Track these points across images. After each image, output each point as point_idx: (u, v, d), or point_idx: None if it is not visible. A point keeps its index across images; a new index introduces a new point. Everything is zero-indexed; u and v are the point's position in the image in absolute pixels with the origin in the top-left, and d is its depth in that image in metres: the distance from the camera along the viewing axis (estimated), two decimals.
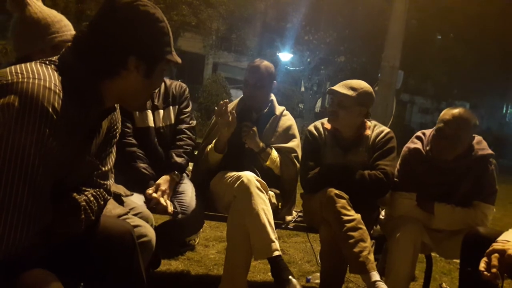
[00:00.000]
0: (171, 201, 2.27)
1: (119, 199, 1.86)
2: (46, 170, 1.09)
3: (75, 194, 1.28)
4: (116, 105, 1.41)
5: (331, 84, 17.58)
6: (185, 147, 2.45)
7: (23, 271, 1.09)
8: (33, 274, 1.10)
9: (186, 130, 2.51)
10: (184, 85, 2.63)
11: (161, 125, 2.46)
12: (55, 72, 1.16)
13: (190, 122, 2.56)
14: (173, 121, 2.51)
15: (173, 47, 1.33)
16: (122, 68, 1.23)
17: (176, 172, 2.35)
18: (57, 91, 1.11)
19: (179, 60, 1.34)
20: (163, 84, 2.54)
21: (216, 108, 2.45)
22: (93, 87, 1.22)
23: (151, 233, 1.66)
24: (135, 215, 1.95)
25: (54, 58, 1.22)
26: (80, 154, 1.25)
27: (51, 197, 1.16)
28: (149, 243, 1.65)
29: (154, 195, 2.21)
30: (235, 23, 18.07)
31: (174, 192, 2.34)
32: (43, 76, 1.11)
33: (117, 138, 1.46)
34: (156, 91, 2.50)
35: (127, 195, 1.96)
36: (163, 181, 2.29)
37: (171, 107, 2.51)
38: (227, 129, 2.41)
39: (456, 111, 2.22)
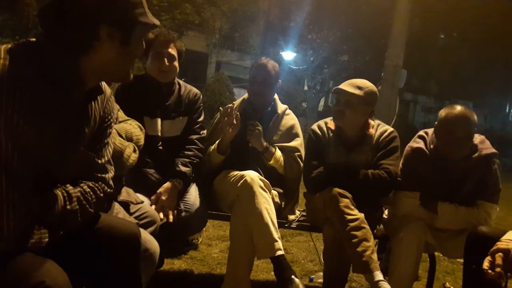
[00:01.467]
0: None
1: (125, 205, 1.86)
2: (23, 156, 1.06)
3: (69, 186, 1.24)
4: (109, 91, 1.36)
5: (334, 83, 17.57)
6: (193, 158, 2.40)
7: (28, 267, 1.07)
8: (26, 257, 1.08)
9: (196, 141, 2.46)
10: (198, 93, 2.56)
11: (169, 134, 2.42)
12: (26, 52, 1.11)
13: (201, 132, 2.52)
14: (179, 133, 2.45)
15: (147, 8, 1.25)
16: (94, 40, 1.16)
17: (179, 180, 2.30)
18: (25, 71, 1.06)
19: (156, 22, 1.26)
20: (177, 90, 2.48)
21: (220, 108, 2.45)
22: (68, 65, 1.16)
23: (154, 246, 1.65)
24: (142, 214, 1.95)
25: (32, 39, 1.17)
26: (71, 144, 1.21)
27: (44, 189, 1.15)
28: (152, 257, 1.63)
29: (153, 207, 2.17)
30: (238, 21, 18.05)
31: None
32: (10, 57, 1.07)
33: (112, 128, 1.41)
34: (171, 97, 2.43)
35: (137, 203, 1.96)
36: (164, 190, 2.24)
37: (181, 117, 2.46)
38: (231, 130, 2.40)
39: (457, 111, 2.21)
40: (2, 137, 1.02)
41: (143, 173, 2.30)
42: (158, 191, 2.24)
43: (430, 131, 2.39)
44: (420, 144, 2.35)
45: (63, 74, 1.15)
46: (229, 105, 2.45)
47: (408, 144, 2.42)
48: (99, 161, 1.34)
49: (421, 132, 2.44)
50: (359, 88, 2.38)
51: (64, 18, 1.14)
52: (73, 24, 1.14)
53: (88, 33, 1.15)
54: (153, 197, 2.23)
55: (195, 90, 2.57)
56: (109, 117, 1.37)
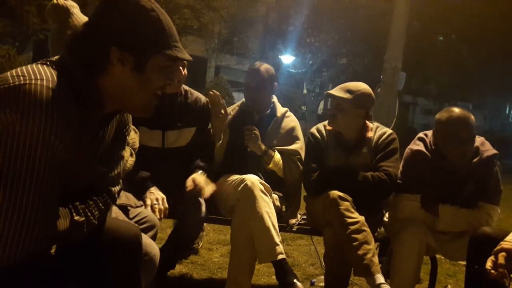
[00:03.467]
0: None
1: (124, 210, 1.85)
2: (53, 175, 1.07)
3: (78, 203, 1.25)
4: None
5: (333, 86, 17.58)
6: (208, 162, 2.44)
7: (32, 275, 1.07)
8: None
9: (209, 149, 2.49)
10: (206, 102, 2.45)
11: (173, 145, 2.33)
12: (55, 72, 1.12)
13: (212, 139, 2.50)
14: (184, 144, 2.37)
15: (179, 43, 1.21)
16: (106, 62, 1.15)
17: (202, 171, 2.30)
18: (59, 91, 1.08)
19: (186, 57, 1.22)
20: (183, 98, 2.38)
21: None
22: (89, 85, 1.17)
23: (154, 249, 1.64)
24: (141, 219, 1.95)
25: (55, 58, 1.18)
26: (85, 161, 1.23)
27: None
28: (152, 260, 1.60)
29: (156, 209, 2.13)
30: (237, 26, 18.12)
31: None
32: (45, 76, 1.09)
33: (127, 140, 1.42)
34: (175, 106, 2.34)
35: (137, 206, 1.95)
36: (196, 175, 2.24)
37: (188, 128, 2.37)
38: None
39: (457, 113, 2.20)
40: (37, 156, 1.03)
41: (134, 180, 2.19)
42: (194, 177, 2.22)
43: (430, 133, 2.39)
44: (420, 147, 2.34)
45: (85, 94, 1.16)
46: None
47: (408, 147, 2.42)
48: (110, 174, 1.34)
49: (421, 134, 2.44)
50: (349, 91, 2.38)
51: (86, 37, 1.16)
52: (88, 44, 1.15)
53: (100, 54, 1.15)
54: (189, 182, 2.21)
55: (202, 97, 2.48)
56: (124, 130, 1.38)
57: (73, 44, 1.19)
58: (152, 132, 2.28)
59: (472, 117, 2.21)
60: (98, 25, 1.16)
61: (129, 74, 1.17)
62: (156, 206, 2.10)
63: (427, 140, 2.35)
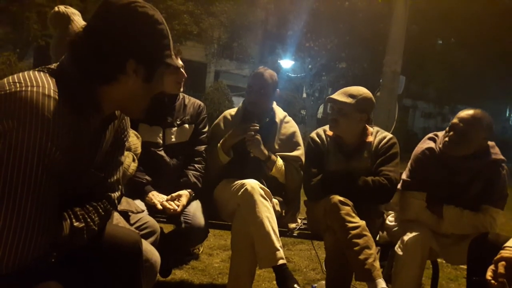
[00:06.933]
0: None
1: (125, 216, 1.85)
2: (50, 181, 1.07)
3: (77, 209, 1.25)
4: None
5: (332, 90, 17.66)
6: (202, 170, 2.47)
7: (33, 282, 1.07)
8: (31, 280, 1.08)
9: (203, 152, 2.53)
10: (202, 105, 2.63)
11: (173, 141, 2.44)
12: (53, 79, 1.13)
13: (208, 142, 2.58)
14: (187, 139, 2.49)
15: (173, 51, 1.31)
16: (120, 73, 1.19)
17: (191, 191, 2.37)
18: (56, 97, 1.09)
19: (179, 64, 1.32)
20: (181, 100, 2.53)
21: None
22: (89, 93, 1.19)
23: (155, 256, 1.64)
24: (142, 224, 1.94)
25: (53, 65, 1.20)
26: (83, 166, 1.23)
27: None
28: (153, 267, 1.61)
29: (170, 205, 2.24)
30: (236, 31, 18.19)
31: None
32: (42, 83, 1.10)
33: (125, 146, 1.43)
34: (174, 105, 2.49)
35: (137, 212, 1.95)
36: (184, 195, 2.32)
37: (187, 125, 2.49)
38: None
39: (472, 110, 2.24)
40: (34, 162, 1.04)
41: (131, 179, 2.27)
42: (180, 193, 2.33)
43: (441, 133, 2.39)
44: (430, 145, 2.35)
45: (84, 102, 1.18)
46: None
47: (418, 145, 2.42)
48: (109, 180, 1.35)
49: (431, 134, 2.45)
50: (351, 96, 2.38)
51: (96, 48, 1.17)
52: (103, 56, 1.17)
53: (116, 66, 1.18)
54: (174, 194, 2.31)
55: (198, 101, 2.64)
56: (122, 136, 1.40)
57: (76, 52, 1.20)
58: (152, 128, 2.40)
59: (485, 119, 2.21)
60: (114, 38, 1.17)
61: (139, 83, 1.23)
62: (167, 203, 2.25)
63: (437, 140, 2.36)
